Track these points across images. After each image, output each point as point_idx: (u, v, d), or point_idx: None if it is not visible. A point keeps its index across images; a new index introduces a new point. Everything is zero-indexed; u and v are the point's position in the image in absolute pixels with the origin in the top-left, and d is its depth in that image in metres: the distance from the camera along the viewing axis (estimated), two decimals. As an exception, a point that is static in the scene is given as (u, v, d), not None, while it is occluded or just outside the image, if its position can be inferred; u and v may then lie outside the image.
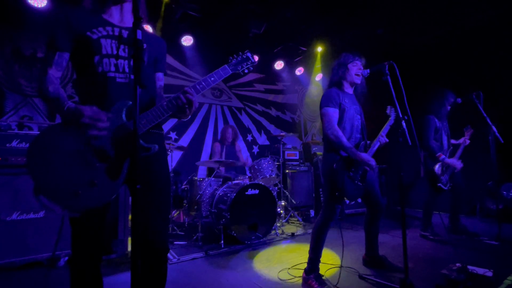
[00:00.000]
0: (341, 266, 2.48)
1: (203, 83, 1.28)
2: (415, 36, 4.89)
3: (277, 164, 4.18)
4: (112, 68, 1.20)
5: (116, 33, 1.24)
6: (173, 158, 4.68)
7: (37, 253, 2.44)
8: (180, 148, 4.09)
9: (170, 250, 3.03)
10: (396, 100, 2.07)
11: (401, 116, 2.04)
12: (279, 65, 5.90)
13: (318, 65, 6.19)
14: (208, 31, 4.69)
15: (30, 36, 3.82)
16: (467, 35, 4.47)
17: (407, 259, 2.00)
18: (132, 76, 1.23)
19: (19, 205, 2.41)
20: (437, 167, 3.30)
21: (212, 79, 1.31)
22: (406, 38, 4.96)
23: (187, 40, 4.72)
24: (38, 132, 2.65)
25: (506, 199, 3.95)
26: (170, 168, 3.98)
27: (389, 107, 2.31)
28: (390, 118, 2.28)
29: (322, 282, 2.10)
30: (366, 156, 2.08)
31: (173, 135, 4.96)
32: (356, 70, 2.28)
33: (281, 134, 4.42)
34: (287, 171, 4.80)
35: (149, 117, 1.19)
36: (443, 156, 3.30)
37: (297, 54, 5.87)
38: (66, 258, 2.59)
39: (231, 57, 1.41)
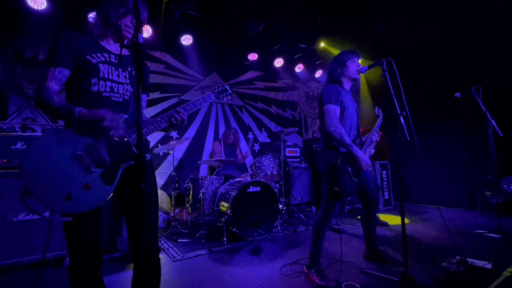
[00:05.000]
0: (342, 261, 2.51)
1: (191, 105, 1.48)
2: (413, 31, 4.88)
3: (278, 161, 4.21)
4: (108, 89, 1.33)
5: (113, 60, 1.37)
6: (175, 156, 4.72)
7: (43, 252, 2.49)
8: (186, 139, 4.12)
9: (174, 248, 3.08)
10: (394, 96, 2.09)
11: (399, 112, 2.06)
12: (278, 62, 5.91)
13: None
14: (207, 30, 4.70)
15: (31, 38, 3.84)
16: (466, 29, 4.47)
17: (407, 252, 2.04)
18: (126, 97, 1.37)
19: (25, 206, 2.45)
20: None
21: (198, 102, 1.51)
22: (404, 33, 4.96)
23: (186, 39, 4.73)
24: (41, 134, 2.70)
25: (506, 193, 3.97)
26: (172, 166, 4.02)
27: (377, 107, 2.41)
28: (379, 118, 2.39)
29: (323, 276, 2.14)
30: (365, 157, 2.15)
31: (174, 134, 4.99)
32: (355, 66, 2.33)
33: (284, 130, 4.41)
34: (288, 168, 4.83)
35: (144, 130, 1.31)
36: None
37: (296, 51, 5.88)
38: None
39: (213, 87, 1.66)
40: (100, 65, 1.31)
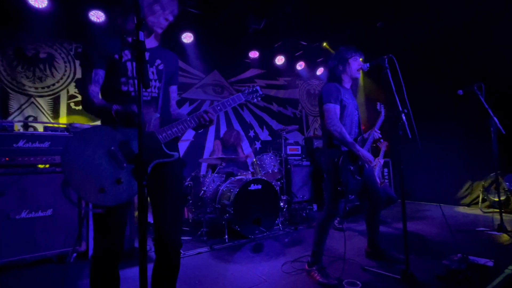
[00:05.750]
0: (343, 259, 2.52)
1: (221, 105, 1.48)
2: (415, 28, 4.85)
3: (279, 159, 4.21)
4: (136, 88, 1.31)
5: None
6: (176, 155, 4.72)
7: (46, 250, 2.51)
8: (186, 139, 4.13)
9: (176, 245, 3.09)
10: (395, 94, 2.09)
11: (400, 109, 2.05)
12: (279, 60, 5.89)
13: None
14: (208, 27, 4.68)
15: (32, 36, 3.84)
16: (469, 26, 4.43)
17: (408, 250, 2.04)
18: (154, 94, 1.40)
19: (28, 204, 2.47)
20: None
21: (228, 103, 1.52)
22: (406, 31, 4.93)
23: (187, 37, 4.72)
24: (43, 132, 2.71)
25: (508, 190, 3.95)
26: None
27: (378, 103, 2.40)
28: (380, 114, 2.39)
29: (324, 274, 2.15)
30: (367, 154, 2.14)
31: (175, 132, 4.99)
32: (357, 65, 2.30)
33: (286, 128, 4.40)
34: (289, 166, 4.83)
35: (174, 129, 1.36)
36: None
37: (297, 49, 5.85)
38: (75, 254, 2.66)
39: (243, 88, 1.67)
40: (128, 64, 1.32)
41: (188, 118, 1.39)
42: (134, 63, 1.29)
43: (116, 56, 1.30)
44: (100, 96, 1.32)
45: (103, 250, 1.30)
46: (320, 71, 6.63)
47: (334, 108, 2.15)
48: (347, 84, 2.36)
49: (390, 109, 2.22)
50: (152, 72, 1.39)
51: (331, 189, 2.18)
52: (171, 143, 1.38)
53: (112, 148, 1.21)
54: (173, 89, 1.62)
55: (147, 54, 1.38)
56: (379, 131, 2.41)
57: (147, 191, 1.28)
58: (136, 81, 1.30)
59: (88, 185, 1.14)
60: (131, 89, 1.32)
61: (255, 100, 1.68)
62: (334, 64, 2.34)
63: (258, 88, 1.68)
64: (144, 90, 1.32)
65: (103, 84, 1.34)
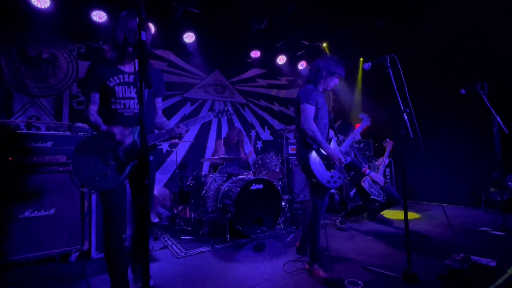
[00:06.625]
0: (345, 258, 2.52)
1: (192, 122, 1.87)
2: (417, 27, 4.84)
3: (281, 159, 4.21)
4: (122, 107, 1.76)
5: (126, 79, 1.76)
6: (178, 154, 4.74)
7: (50, 249, 2.52)
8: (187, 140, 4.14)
9: (178, 245, 3.11)
10: (397, 93, 2.08)
11: (402, 109, 2.05)
12: (281, 59, 5.89)
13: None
14: (209, 27, 4.69)
15: (35, 37, 3.87)
16: (471, 25, 4.41)
17: (409, 250, 2.04)
18: (136, 111, 1.78)
19: (31, 203, 2.48)
20: (365, 183, 3.41)
21: (199, 120, 1.90)
22: (408, 30, 4.91)
23: (189, 37, 4.73)
24: (46, 132, 2.73)
25: (511, 190, 3.93)
26: (176, 163, 4.05)
27: (361, 113, 2.60)
28: (363, 120, 2.57)
29: (326, 269, 2.16)
30: (337, 152, 2.18)
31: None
32: (335, 83, 2.38)
33: (287, 128, 4.42)
34: (290, 165, 4.82)
35: (151, 139, 1.76)
36: (368, 171, 3.41)
37: (299, 48, 5.85)
38: (77, 253, 2.67)
39: (216, 108, 1.99)
40: (116, 87, 1.72)
41: (163, 132, 1.78)
42: (121, 87, 1.71)
43: (107, 82, 1.70)
44: (96, 113, 1.74)
45: (110, 222, 1.73)
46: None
47: (310, 109, 2.22)
48: (321, 89, 2.40)
49: (393, 108, 2.22)
50: (136, 92, 1.74)
51: (310, 184, 2.28)
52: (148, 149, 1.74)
53: (105, 150, 1.65)
54: (158, 100, 1.98)
55: (131, 78, 1.76)
56: (358, 134, 2.46)
57: (129, 181, 1.85)
58: (128, 94, 1.70)
59: (86, 175, 1.63)
60: (118, 107, 1.73)
61: (226, 117, 2.17)
62: (320, 68, 2.36)
63: (229, 108, 2.06)
64: (130, 106, 1.74)
65: (99, 101, 1.75)
